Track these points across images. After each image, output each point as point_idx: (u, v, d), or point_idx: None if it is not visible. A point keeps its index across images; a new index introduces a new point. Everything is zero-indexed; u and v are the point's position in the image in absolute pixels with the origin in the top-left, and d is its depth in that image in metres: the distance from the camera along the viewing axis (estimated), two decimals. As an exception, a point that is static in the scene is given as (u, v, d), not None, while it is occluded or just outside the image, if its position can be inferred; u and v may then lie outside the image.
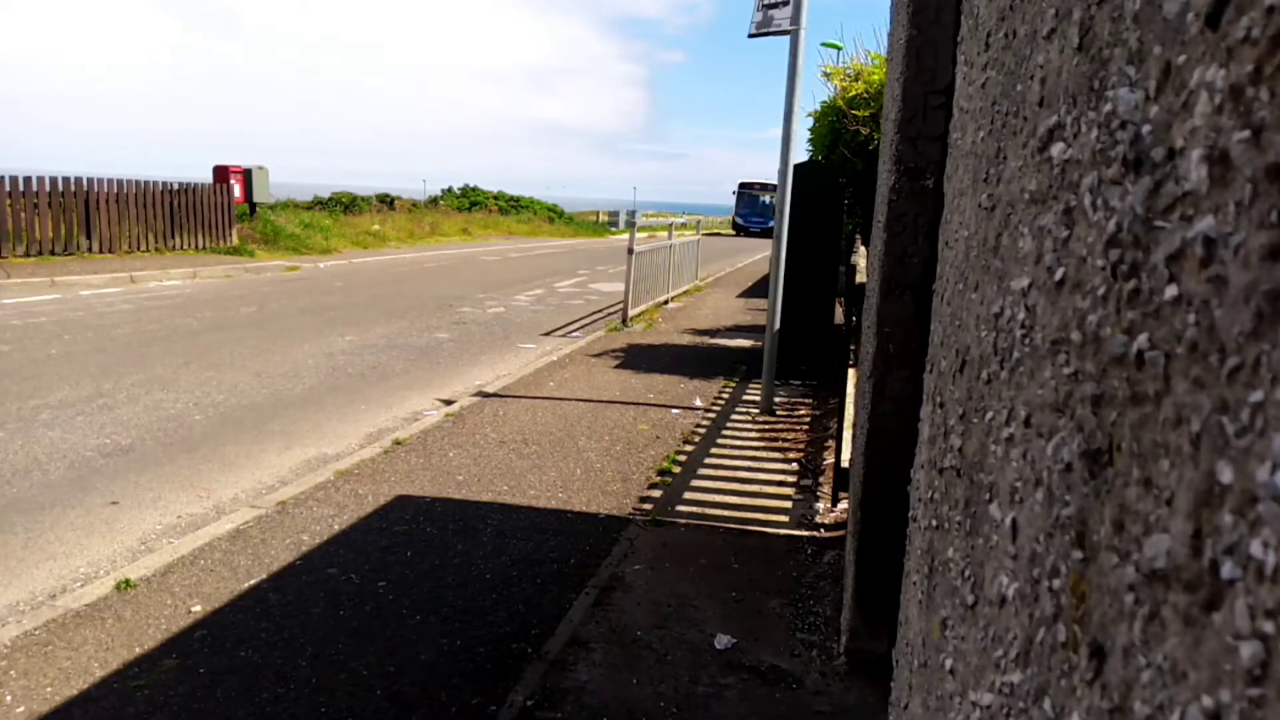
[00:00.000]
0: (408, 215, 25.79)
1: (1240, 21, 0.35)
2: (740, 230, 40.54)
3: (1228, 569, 0.34)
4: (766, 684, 2.88)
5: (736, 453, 5.41)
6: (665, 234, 13.13)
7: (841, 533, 4.00)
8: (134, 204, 13.78)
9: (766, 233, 38.49)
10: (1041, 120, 0.63)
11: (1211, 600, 0.35)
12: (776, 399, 6.58)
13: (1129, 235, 0.45)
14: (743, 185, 41.95)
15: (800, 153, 6.92)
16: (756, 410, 6.40)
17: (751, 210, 41.06)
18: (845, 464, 3.81)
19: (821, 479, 4.98)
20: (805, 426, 6.06)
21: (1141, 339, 0.43)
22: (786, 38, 5.71)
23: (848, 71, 7.49)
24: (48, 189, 12.48)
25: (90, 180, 13.16)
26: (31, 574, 3.57)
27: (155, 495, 4.44)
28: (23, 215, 12.11)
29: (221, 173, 16.56)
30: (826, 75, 7.77)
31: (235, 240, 15.67)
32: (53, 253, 12.52)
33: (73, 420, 5.47)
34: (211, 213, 15.20)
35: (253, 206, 17.05)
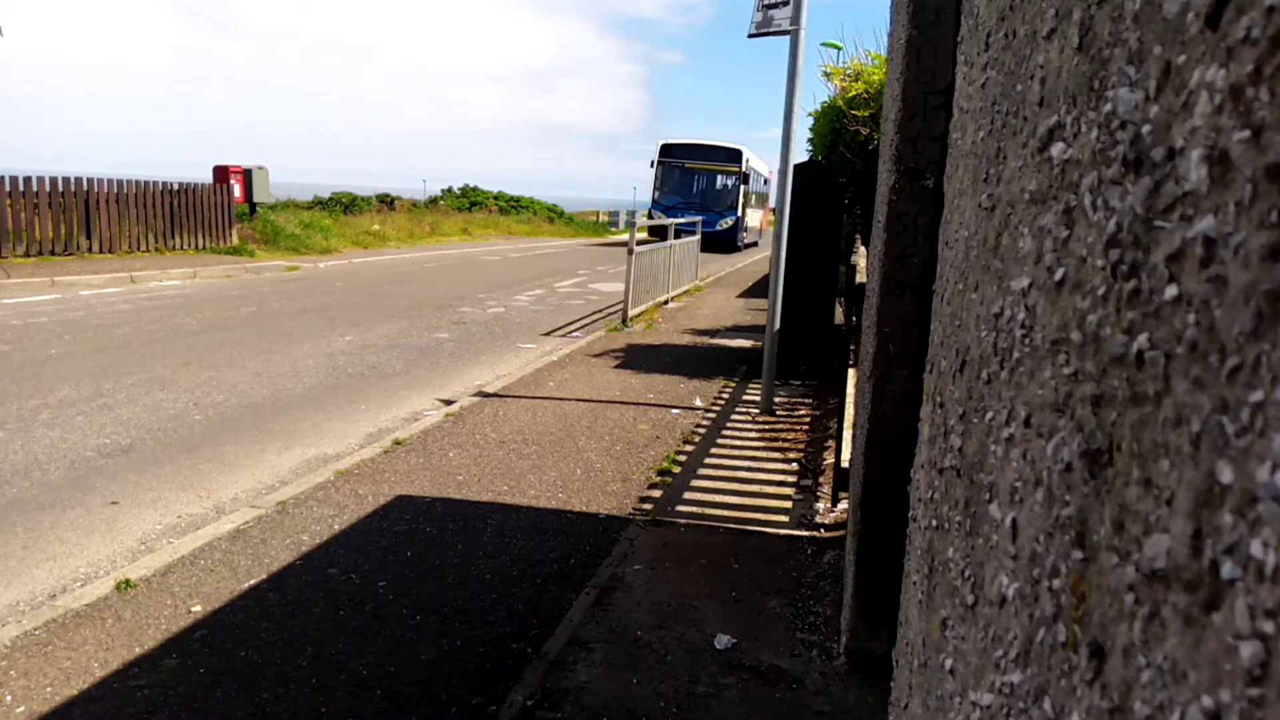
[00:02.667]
0: (408, 215, 25.79)
1: (1240, 21, 0.35)
2: (661, 232, 18.55)
3: (1228, 569, 0.34)
4: (766, 684, 2.87)
5: (736, 453, 5.41)
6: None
7: (841, 533, 4.00)
8: (134, 204, 13.77)
9: (718, 242, 22.92)
10: (1041, 120, 0.63)
11: (1211, 600, 0.35)
12: (776, 399, 6.58)
13: (1129, 235, 0.45)
14: (667, 150, 25.08)
15: (800, 153, 6.92)
16: (756, 410, 6.40)
17: (684, 196, 24.73)
18: (845, 464, 3.81)
19: (821, 479, 4.97)
20: (805, 426, 6.06)
21: (1141, 339, 0.43)
22: (786, 38, 5.71)
23: (848, 71, 7.49)
24: (48, 189, 12.48)
25: (90, 180, 13.15)
26: (31, 574, 3.57)
27: (155, 495, 4.44)
28: (23, 215, 12.10)
29: (221, 173, 16.55)
30: (826, 75, 7.78)
31: (235, 240, 15.66)
32: (53, 253, 12.52)
33: (73, 420, 5.47)
34: (211, 213, 15.19)
35: (253, 206, 17.05)
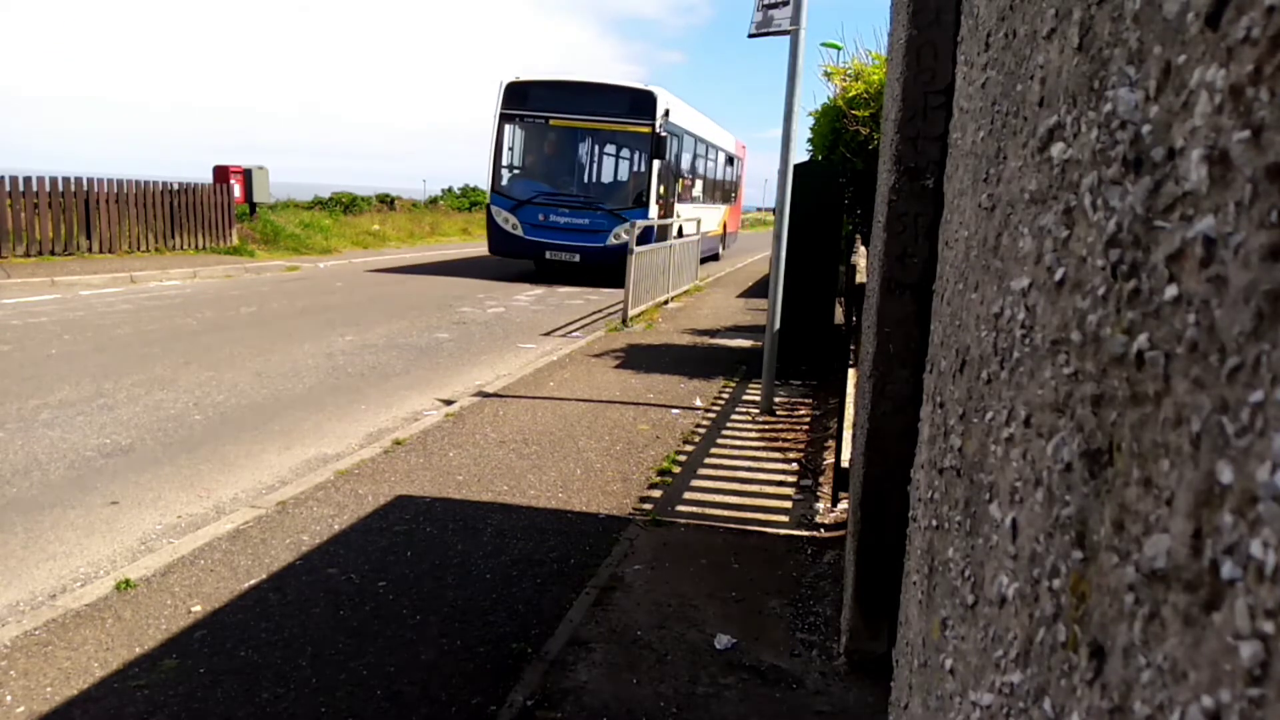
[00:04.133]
0: (408, 215, 25.78)
1: (1240, 21, 0.35)
2: (507, 248, 14.02)
3: (1228, 569, 0.34)
4: (766, 684, 2.87)
5: (736, 453, 5.41)
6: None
7: (841, 533, 4.00)
8: (134, 204, 13.77)
9: (607, 269, 13.14)
10: (1041, 120, 0.63)
11: (1211, 600, 0.35)
12: (776, 399, 6.58)
13: (1129, 235, 0.45)
14: (517, 93, 13.77)
15: (800, 153, 6.92)
16: (756, 410, 6.40)
17: (552, 181, 14.29)
18: (845, 464, 3.81)
19: (821, 479, 4.97)
20: (805, 426, 6.06)
21: (1141, 339, 0.43)
22: (786, 38, 5.71)
23: (848, 71, 7.49)
24: (48, 189, 12.47)
25: (90, 180, 13.15)
26: (31, 574, 3.57)
27: (155, 495, 4.44)
28: (23, 215, 12.10)
29: (221, 173, 16.56)
30: (827, 75, 7.78)
31: (235, 240, 15.67)
32: (53, 253, 12.51)
33: (73, 420, 5.47)
34: (211, 213, 15.20)
35: (253, 206, 17.06)
